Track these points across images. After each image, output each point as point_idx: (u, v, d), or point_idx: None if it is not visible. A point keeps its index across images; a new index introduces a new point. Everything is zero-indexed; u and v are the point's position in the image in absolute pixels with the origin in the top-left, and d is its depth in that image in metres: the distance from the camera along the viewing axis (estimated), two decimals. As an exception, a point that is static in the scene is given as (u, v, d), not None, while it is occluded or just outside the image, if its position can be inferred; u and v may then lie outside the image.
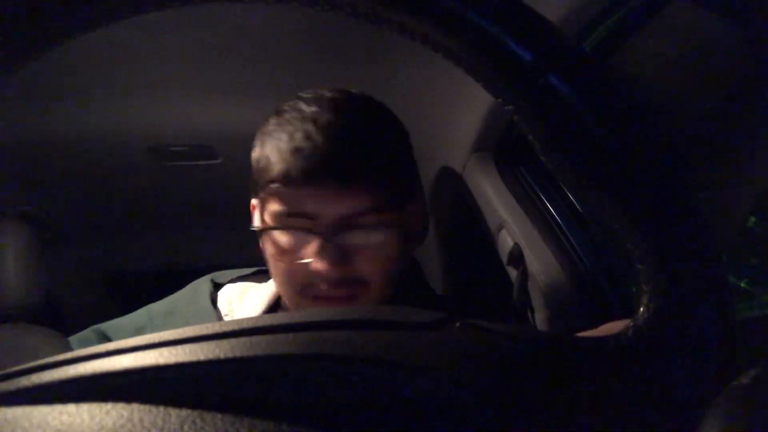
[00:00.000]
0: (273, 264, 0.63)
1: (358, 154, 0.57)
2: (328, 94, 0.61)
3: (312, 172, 0.55)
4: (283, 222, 0.59)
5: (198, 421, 0.23)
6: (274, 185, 0.58)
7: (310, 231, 0.57)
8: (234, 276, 0.80)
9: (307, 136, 0.56)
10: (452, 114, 1.11)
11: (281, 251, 0.60)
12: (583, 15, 0.73)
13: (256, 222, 0.66)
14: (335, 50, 1.07)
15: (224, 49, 1.05)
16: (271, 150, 0.58)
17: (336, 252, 0.57)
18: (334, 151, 0.55)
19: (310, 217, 0.57)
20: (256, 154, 0.62)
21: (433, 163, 1.23)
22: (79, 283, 1.83)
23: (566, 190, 0.95)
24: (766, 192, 0.70)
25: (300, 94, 0.62)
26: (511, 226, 0.94)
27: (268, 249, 0.62)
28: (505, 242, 0.96)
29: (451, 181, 1.17)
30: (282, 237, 0.60)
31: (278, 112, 0.61)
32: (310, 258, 0.57)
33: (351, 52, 1.08)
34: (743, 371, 0.26)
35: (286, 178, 0.56)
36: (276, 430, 0.23)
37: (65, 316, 1.68)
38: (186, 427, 0.22)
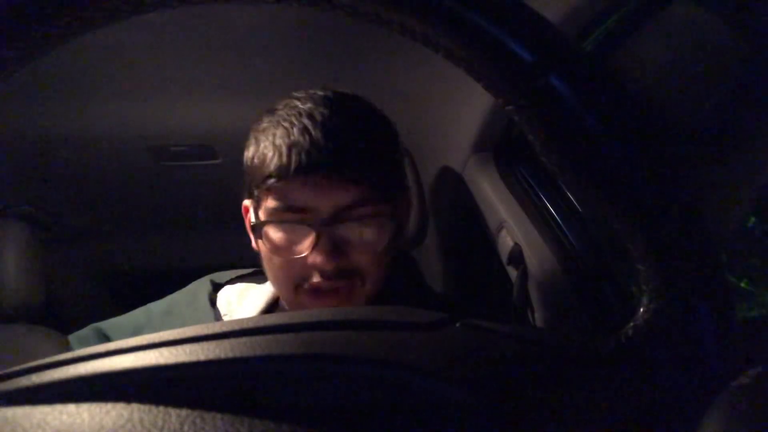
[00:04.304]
0: (269, 262, 0.63)
1: (353, 148, 0.58)
2: (320, 93, 0.62)
3: (308, 165, 0.56)
4: (279, 217, 0.60)
5: (198, 421, 0.23)
6: (271, 180, 0.58)
7: (306, 224, 0.58)
8: (233, 276, 0.80)
9: (304, 131, 0.57)
10: (452, 114, 1.11)
11: (277, 247, 0.60)
12: (583, 15, 0.73)
13: (251, 222, 0.67)
14: (335, 50, 1.08)
15: (224, 49, 1.05)
16: (267, 146, 0.59)
17: (331, 243, 0.58)
18: (331, 144, 0.57)
19: (306, 210, 0.58)
20: (250, 152, 0.63)
21: (433, 163, 1.23)
22: (79, 282, 1.83)
23: (566, 190, 0.95)
24: (766, 192, 0.70)
25: (293, 93, 0.64)
26: (511, 226, 0.94)
27: (264, 247, 0.62)
28: (505, 242, 0.96)
29: (451, 181, 1.17)
30: (278, 232, 0.60)
31: (271, 111, 0.63)
32: (306, 251, 0.58)
33: (351, 52, 1.08)
34: (743, 371, 0.26)
35: (283, 173, 0.57)
36: (276, 430, 0.23)
37: (65, 316, 1.68)
38: (186, 427, 0.22)
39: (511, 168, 1.04)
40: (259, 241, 0.63)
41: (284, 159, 0.57)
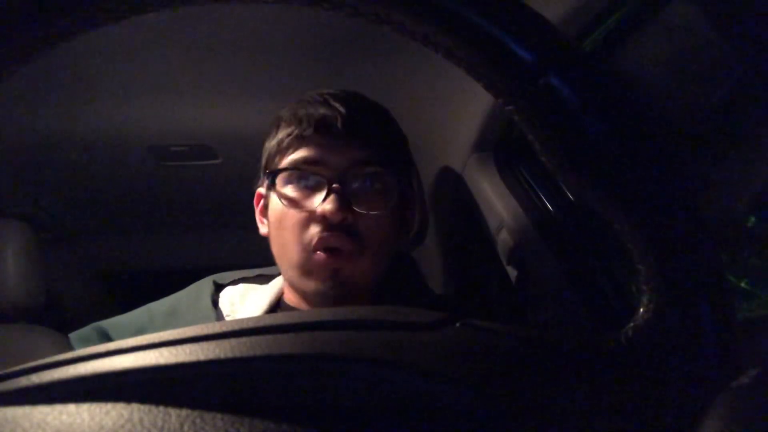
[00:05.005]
0: (279, 225, 0.66)
1: (366, 117, 0.66)
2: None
3: (325, 124, 0.63)
4: (295, 167, 0.64)
5: (198, 421, 0.23)
6: (289, 138, 0.65)
7: (320, 177, 0.63)
8: (236, 278, 0.80)
9: (323, 102, 0.65)
10: (452, 114, 1.11)
11: (291, 202, 0.64)
12: (583, 15, 0.73)
13: (259, 210, 0.72)
14: (335, 50, 1.08)
15: (224, 49, 1.05)
16: (289, 115, 0.66)
17: (342, 198, 0.62)
18: (345, 111, 0.64)
19: (320, 163, 0.64)
20: (270, 136, 0.69)
21: (433, 163, 1.23)
22: (79, 283, 1.83)
23: (566, 190, 0.95)
24: (766, 192, 0.70)
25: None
26: (511, 226, 0.94)
27: (278, 207, 0.65)
28: (505, 242, 0.96)
29: (451, 181, 1.17)
30: (292, 186, 0.65)
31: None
32: (318, 203, 0.62)
33: (351, 52, 1.08)
34: (743, 371, 0.26)
35: (302, 130, 0.64)
36: (276, 430, 0.22)
37: (65, 316, 1.68)
38: (186, 427, 0.22)
39: (511, 168, 1.04)
40: (271, 208, 0.67)
41: (303, 120, 0.64)
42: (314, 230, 0.63)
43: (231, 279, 0.80)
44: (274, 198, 0.66)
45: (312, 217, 0.63)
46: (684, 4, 0.67)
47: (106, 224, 1.72)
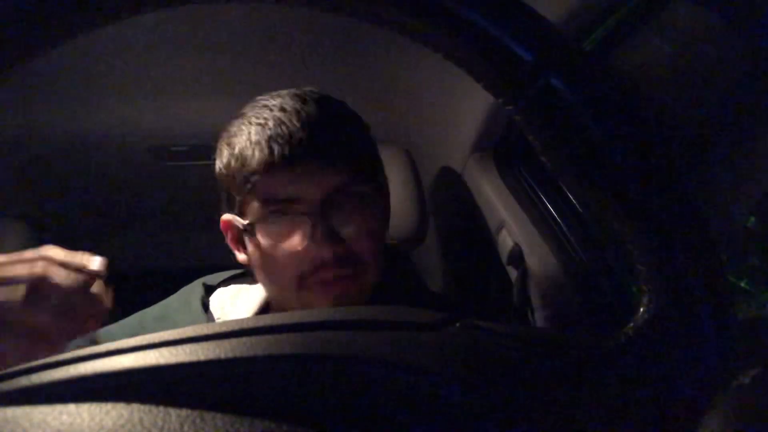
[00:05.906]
0: (264, 264, 0.62)
1: (330, 134, 0.58)
2: (285, 91, 0.63)
3: (292, 155, 0.56)
4: (270, 212, 0.59)
5: (198, 421, 0.22)
6: (255, 177, 0.58)
7: (299, 214, 0.57)
8: (225, 277, 0.78)
9: (280, 123, 0.57)
10: (452, 114, 1.11)
11: (273, 246, 0.59)
12: (583, 15, 0.73)
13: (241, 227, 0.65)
14: (335, 50, 1.08)
15: (224, 49, 1.05)
16: (245, 146, 0.59)
17: (327, 230, 0.57)
18: (309, 132, 0.57)
19: (296, 200, 0.58)
20: (224, 159, 0.63)
21: (433, 163, 1.23)
22: (79, 283, 1.82)
23: (566, 190, 0.95)
24: (766, 192, 0.70)
25: (257, 98, 0.65)
26: (511, 226, 0.94)
27: (257, 250, 0.61)
28: (505, 242, 0.96)
29: (451, 181, 1.17)
30: (272, 229, 0.59)
31: (240, 115, 0.63)
32: (304, 243, 0.57)
33: (351, 52, 1.08)
34: (743, 371, 0.26)
35: (267, 166, 0.57)
36: (276, 430, 0.22)
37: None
38: (186, 427, 0.22)
39: (511, 168, 1.04)
40: (250, 247, 0.62)
41: (266, 152, 0.57)
42: (306, 267, 0.58)
43: (220, 279, 0.78)
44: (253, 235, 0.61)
45: (303, 257, 0.58)
46: (684, 4, 0.67)
47: (106, 224, 1.72)
